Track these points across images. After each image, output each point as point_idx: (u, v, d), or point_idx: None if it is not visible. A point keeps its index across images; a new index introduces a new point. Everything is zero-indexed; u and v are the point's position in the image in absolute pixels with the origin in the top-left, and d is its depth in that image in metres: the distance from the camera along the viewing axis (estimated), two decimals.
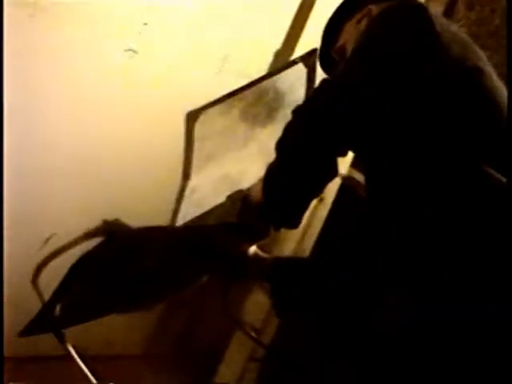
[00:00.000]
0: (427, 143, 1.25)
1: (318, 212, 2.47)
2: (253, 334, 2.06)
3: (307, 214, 2.39)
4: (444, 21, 1.41)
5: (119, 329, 2.15)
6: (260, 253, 1.63)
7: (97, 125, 1.88)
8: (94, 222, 1.37)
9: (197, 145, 2.00)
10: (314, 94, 1.38)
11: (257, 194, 1.43)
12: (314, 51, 1.90)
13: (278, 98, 2.09)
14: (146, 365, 2.22)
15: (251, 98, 2.05)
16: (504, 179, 1.17)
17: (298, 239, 2.49)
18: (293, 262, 1.78)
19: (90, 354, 1.48)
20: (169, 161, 2.06)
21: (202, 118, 1.98)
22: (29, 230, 1.79)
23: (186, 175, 2.03)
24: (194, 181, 2.04)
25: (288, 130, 1.35)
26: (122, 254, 1.38)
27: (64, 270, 1.33)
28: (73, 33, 1.72)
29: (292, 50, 2.20)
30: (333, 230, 2.47)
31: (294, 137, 1.34)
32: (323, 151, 1.32)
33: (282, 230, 1.69)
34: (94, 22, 1.74)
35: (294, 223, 1.44)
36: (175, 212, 2.06)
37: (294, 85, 2.09)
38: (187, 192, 2.04)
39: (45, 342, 1.54)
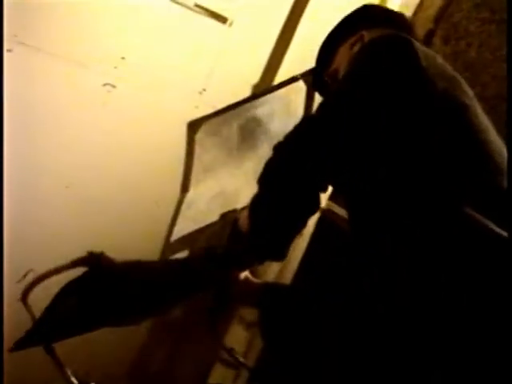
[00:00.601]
0: (408, 180, 1.24)
1: (297, 245, 2.46)
2: (240, 358, 2.06)
3: None
4: (430, 54, 1.42)
5: (103, 358, 2.12)
6: (250, 277, 1.66)
7: (81, 155, 1.87)
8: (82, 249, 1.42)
9: (197, 156, 2.03)
10: (294, 130, 1.37)
11: (244, 223, 1.45)
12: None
13: (274, 115, 2.12)
14: None
15: (250, 113, 2.08)
16: (485, 220, 1.15)
17: (278, 271, 2.48)
18: (282, 288, 1.77)
19: None
20: (147, 192, 2.05)
21: (203, 128, 2.01)
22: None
23: (185, 187, 2.06)
24: (191, 194, 2.07)
25: (269, 166, 1.37)
26: (105, 283, 1.43)
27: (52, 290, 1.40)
28: (51, 66, 1.71)
29: (270, 83, 2.20)
30: (312, 262, 2.46)
31: (276, 173, 1.35)
32: (305, 187, 1.33)
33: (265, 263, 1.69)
34: (71, 56, 1.73)
35: (279, 256, 1.45)
36: (171, 226, 2.09)
37: (292, 103, 2.13)
38: (184, 206, 2.07)
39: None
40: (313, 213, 1.40)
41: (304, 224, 1.42)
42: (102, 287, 1.42)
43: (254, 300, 1.65)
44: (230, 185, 2.08)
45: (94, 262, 1.40)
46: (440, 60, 1.43)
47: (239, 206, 1.71)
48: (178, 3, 1.84)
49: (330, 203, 2.41)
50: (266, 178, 1.37)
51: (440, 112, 1.29)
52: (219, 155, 2.08)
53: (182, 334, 2.31)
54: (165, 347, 2.34)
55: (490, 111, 2.36)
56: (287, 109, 2.14)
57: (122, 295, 1.43)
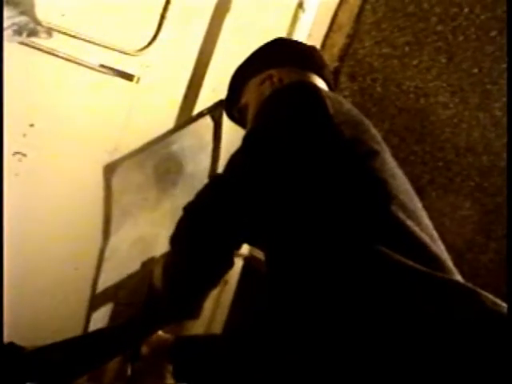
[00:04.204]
0: (317, 229, 1.23)
1: (223, 295, 2.43)
2: None
3: (213, 298, 2.35)
4: (337, 100, 1.41)
5: None
6: (161, 333, 1.62)
7: None
8: None
9: (114, 200, 1.98)
10: (203, 190, 1.36)
11: (158, 281, 1.45)
12: (221, 102, 1.89)
13: (185, 154, 2.10)
14: None
15: (163, 152, 2.06)
16: (398, 256, 1.15)
17: (206, 324, 2.44)
18: (194, 340, 1.74)
19: None
20: (67, 255, 1.98)
21: (119, 170, 1.97)
22: None
23: (107, 234, 2.01)
24: (113, 241, 2.02)
25: (180, 227, 1.36)
26: (19, 369, 1.42)
27: None
28: None
29: None
30: (240, 311, 2.43)
31: (186, 234, 1.34)
32: (215, 247, 1.33)
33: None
34: None
35: (192, 315, 1.46)
36: (95, 278, 2.05)
37: (202, 140, 2.13)
38: (107, 255, 2.02)
39: None
40: (226, 271, 1.40)
41: (217, 282, 1.43)
42: (17, 373, 1.40)
43: (166, 356, 1.61)
44: (148, 229, 2.06)
45: (4, 352, 1.40)
46: (347, 105, 1.43)
47: (158, 251, 1.69)
48: (83, 65, 1.80)
49: (253, 249, 2.38)
50: (178, 240, 1.36)
51: (348, 159, 1.29)
52: (136, 198, 2.04)
53: None
54: None
55: (399, 144, 2.42)
56: (199, 144, 2.14)
57: (43, 373, 1.42)
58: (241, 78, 1.68)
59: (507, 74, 2.07)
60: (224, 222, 1.30)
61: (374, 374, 1.08)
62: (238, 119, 1.74)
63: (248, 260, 2.40)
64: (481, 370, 1.02)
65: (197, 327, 2.37)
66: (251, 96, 1.62)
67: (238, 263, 2.40)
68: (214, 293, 2.36)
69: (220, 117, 2.06)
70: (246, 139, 1.38)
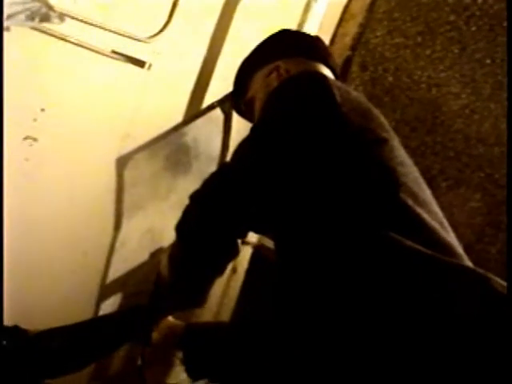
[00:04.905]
0: (325, 217, 1.23)
1: (232, 283, 2.44)
2: None
3: (221, 285, 2.36)
4: (344, 89, 1.41)
5: None
6: (172, 320, 1.63)
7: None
8: None
9: (127, 192, 2.00)
10: (209, 179, 1.36)
11: (164, 270, 1.45)
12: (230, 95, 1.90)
13: (196, 145, 2.11)
14: None
15: (173, 145, 2.07)
16: (407, 242, 1.15)
17: (215, 311, 2.45)
18: (205, 328, 1.75)
19: None
20: (78, 240, 1.98)
21: (131, 163, 1.97)
22: None
23: (118, 225, 2.02)
24: (123, 232, 2.03)
25: (186, 214, 1.36)
26: (25, 352, 1.41)
27: None
28: None
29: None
30: (248, 299, 2.44)
31: (192, 222, 1.35)
32: (220, 236, 1.33)
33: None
34: None
35: (197, 303, 1.47)
36: (106, 267, 2.05)
37: (212, 132, 2.14)
38: (117, 245, 2.03)
39: None
40: (231, 259, 1.42)
41: (222, 271, 1.43)
42: (23, 355, 1.41)
43: (176, 342, 1.62)
44: (158, 220, 2.07)
45: (9, 335, 1.39)
46: (355, 94, 1.43)
47: (167, 242, 1.71)
48: (95, 51, 1.80)
49: (262, 238, 2.39)
50: (183, 227, 1.36)
51: (356, 147, 1.29)
52: (147, 190, 2.05)
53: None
54: None
55: (410, 134, 2.41)
56: (209, 136, 2.15)
57: (46, 357, 1.42)
58: (247, 70, 1.68)
59: (507, 72, 2.06)
60: (229, 210, 1.30)
61: (381, 359, 1.08)
62: (245, 113, 1.74)
63: (257, 248, 2.41)
64: (487, 354, 1.02)
65: (205, 314, 2.38)
66: (258, 88, 1.62)
67: (247, 251, 2.41)
68: (223, 280, 2.38)
69: (230, 109, 2.06)
70: (254, 129, 1.38)
